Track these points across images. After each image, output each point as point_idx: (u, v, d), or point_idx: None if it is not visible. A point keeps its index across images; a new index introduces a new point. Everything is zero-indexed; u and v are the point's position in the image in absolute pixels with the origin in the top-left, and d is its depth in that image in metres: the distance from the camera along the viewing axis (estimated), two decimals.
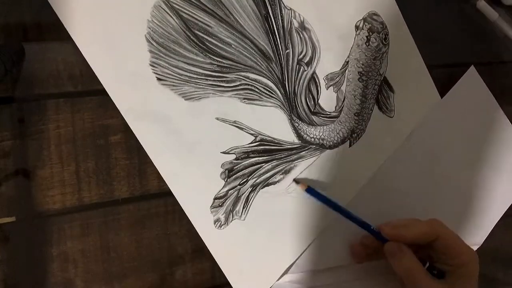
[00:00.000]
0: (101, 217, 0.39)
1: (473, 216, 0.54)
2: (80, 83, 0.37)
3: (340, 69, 0.47)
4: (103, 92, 0.37)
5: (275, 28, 0.43)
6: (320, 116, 0.46)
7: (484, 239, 0.55)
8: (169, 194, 0.40)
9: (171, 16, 0.39)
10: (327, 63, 0.46)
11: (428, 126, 0.51)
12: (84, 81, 0.37)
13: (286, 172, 0.45)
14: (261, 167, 0.44)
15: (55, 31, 0.36)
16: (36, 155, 0.37)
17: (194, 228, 0.41)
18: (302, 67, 0.45)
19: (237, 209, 0.43)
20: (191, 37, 0.40)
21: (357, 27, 0.47)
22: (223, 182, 0.42)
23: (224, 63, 0.42)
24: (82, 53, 0.37)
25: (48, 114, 0.37)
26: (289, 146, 0.45)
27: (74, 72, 0.37)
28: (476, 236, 0.55)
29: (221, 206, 0.42)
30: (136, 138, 0.39)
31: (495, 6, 0.55)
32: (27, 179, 0.37)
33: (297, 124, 0.45)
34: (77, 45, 0.36)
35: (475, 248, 0.55)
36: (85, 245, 0.38)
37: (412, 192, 0.51)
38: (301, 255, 0.46)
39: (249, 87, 0.43)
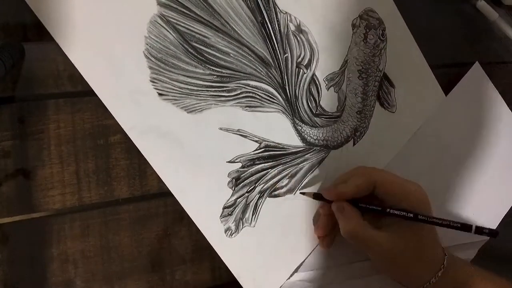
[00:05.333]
0: (101, 217, 0.38)
1: (479, 212, 0.53)
2: (80, 83, 0.37)
3: (340, 69, 0.46)
4: None
5: (272, 33, 0.43)
6: (322, 117, 0.46)
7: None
8: (169, 194, 0.39)
9: (167, 30, 0.39)
10: (326, 64, 0.45)
11: (434, 122, 0.51)
12: (84, 81, 0.37)
13: (293, 176, 0.45)
14: (267, 173, 0.44)
15: None
16: (36, 155, 0.36)
17: (194, 228, 0.41)
18: (301, 70, 0.44)
19: (246, 216, 0.43)
20: (189, 49, 0.40)
21: (353, 25, 0.46)
22: (231, 191, 0.42)
23: (223, 72, 0.41)
24: (83, 76, 0.36)
25: (48, 114, 0.36)
26: (293, 150, 0.45)
27: (74, 72, 0.37)
28: None
29: (230, 215, 0.42)
30: None
31: (495, 6, 0.54)
32: (27, 179, 0.36)
33: (300, 127, 0.45)
34: (77, 67, 0.36)
35: (480, 245, 0.54)
36: (85, 245, 0.38)
37: None
38: (310, 254, 0.46)
39: (250, 94, 0.42)
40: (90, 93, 0.37)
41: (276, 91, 0.43)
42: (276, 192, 0.44)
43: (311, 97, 0.45)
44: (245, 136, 0.42)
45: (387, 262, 0.42)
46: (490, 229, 0.40)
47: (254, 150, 0.43)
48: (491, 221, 0.54)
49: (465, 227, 0.41)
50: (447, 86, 0.52)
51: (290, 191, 0.45)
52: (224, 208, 0.42)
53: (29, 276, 0.37)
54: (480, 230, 0.40)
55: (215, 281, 0.42)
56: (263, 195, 0.43)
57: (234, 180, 0.42)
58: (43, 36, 0.36)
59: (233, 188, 0.42)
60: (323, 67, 0.45)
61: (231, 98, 0.42)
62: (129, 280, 0.39)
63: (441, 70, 0.52)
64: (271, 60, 0.43)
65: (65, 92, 0.37)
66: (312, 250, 0.46)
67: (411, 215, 0.41)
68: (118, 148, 0.39)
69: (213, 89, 0.41)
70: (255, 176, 0.43)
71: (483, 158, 0.54)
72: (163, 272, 0.41)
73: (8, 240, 0.36)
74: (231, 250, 0.42)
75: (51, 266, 0.37)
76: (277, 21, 0.43)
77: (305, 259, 0.46)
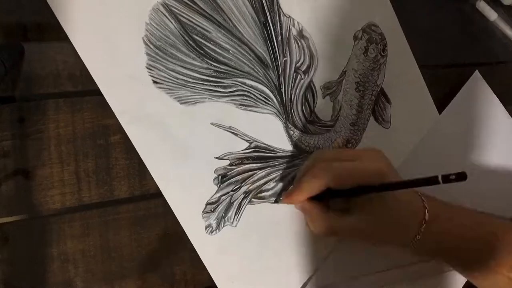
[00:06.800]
0: (101, 217, 0.38)
1: None
2: (80, 83, 0.37)
3: (337, 79, 0.46)
4: None
5: (273, 35, 0.43)
6: (315, 124, 0.46)
7: None
8: None
9: (169, 20, 0.39)
10: (325, 72, 0.45)
11: (436, 132, 0.50)
12: (84, 81, 0.36)
13: (279, 180, 0.44)
14: (254, 174, 0.43)
15: (55, 31, 0.35)
16: (36, 155, 0.36)
17: None
18: (299, 75, 0.44)
19: (229, 215, 0.42)
20: (189, 41, 0.40)
21: (355, 37, 0.46)
22: (215, 188, 0.41)
23: (221, 68, 0.41)
24: (79, 54, 0.36)
25: (48, 114, 0.36)
26: (283, 154, 0.44)
27: (74, 72, 0.36)
28: None
29: (213, 211, 0.41)
30: None
31: (494, 6, 0.54)
32: (27, 179, 0.36)
33: (292, 132, 0.44)
34: (74, 46, 0.36)
35: None
36: (85, 245, 0.38)
37: None
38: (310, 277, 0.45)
39: (246, 93, 0.42)
40: (90, 92, 0.37)
41: (272, 93, 0.43)
42: (261, 195, 0.43)
43: (306, 103, 0.45)
44: (236, 134, 0.42)
45: (366, 240, 0.42)
46: (457, 173, 0.35)
47: (244, 149, 0.43)
48: None
49: (431, 180, 0.36)
50: (445, 86, 0.52)
51: (276, 195, 0.44)
52: (207, 204, 0.41)
53: (29, 276, 0.36)
54: (447, 178, 0.36)
55: None
56: (248, 195, 0.43)
57: (220, 177, 0.42)
58: (43, 36, 0.35)
59: (218, 185, 0.42)
60: (321, 75, 0.45)
61: (226, 94, 0.42)
62: (129, 280, 0.39)
63: (440, 70, 0.52)
64: (269, 62, 0.43)
65: (65, 92, 0.36)
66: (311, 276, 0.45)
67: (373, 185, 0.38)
68: (118, 148, 0.38)
69: (209, 83, 0.41)
70: (242, 176, 0.43)
71: (485, 167, 0.53)
72: (163, 272, 0.41)
73: (8, 240, 0.35)
74: (210, 248, 0.41)
75: (51, 266, 0.37)
76: (280, 24, 0.43)
77: (310, 277, 0.45)
